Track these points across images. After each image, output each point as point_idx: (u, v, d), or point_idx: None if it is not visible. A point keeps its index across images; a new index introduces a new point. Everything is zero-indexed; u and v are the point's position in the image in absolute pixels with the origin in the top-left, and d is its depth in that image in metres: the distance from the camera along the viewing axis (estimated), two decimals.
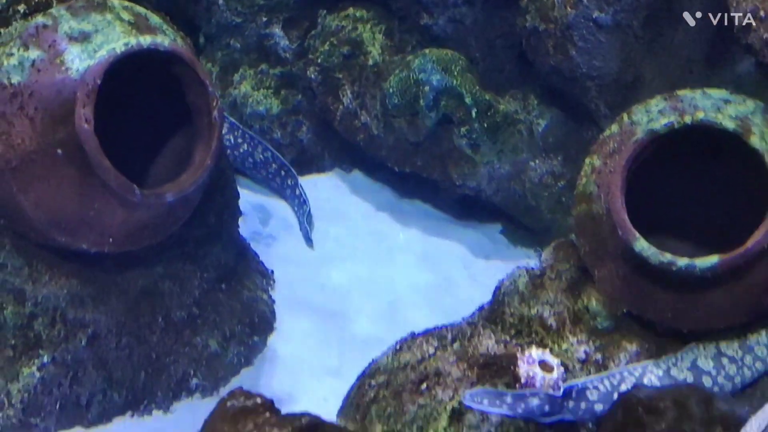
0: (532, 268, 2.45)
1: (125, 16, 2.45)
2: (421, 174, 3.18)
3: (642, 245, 2.13)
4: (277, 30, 3.50)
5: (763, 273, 2.12)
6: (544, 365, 2.15)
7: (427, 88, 3.08)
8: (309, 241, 3.20)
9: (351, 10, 3.41)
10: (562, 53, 2.86)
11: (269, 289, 2.93)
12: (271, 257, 3.06)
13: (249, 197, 3.28)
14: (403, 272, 3.09)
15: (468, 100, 3.05)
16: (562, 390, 2.10)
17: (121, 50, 2.24)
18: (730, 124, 2.13)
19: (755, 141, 2.10)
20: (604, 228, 2.26)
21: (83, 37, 2.31)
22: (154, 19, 2.57)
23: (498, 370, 2.20)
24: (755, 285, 2.13)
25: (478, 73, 3.15)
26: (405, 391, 2.24)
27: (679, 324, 2.22)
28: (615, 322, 2.29)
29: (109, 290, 2.49)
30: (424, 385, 2.23)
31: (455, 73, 3.09)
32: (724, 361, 2.19)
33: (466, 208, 3.25)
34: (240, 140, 3.35)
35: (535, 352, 2.17)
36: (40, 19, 2.33)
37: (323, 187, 3.39)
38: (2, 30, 2.39)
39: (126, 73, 2.28)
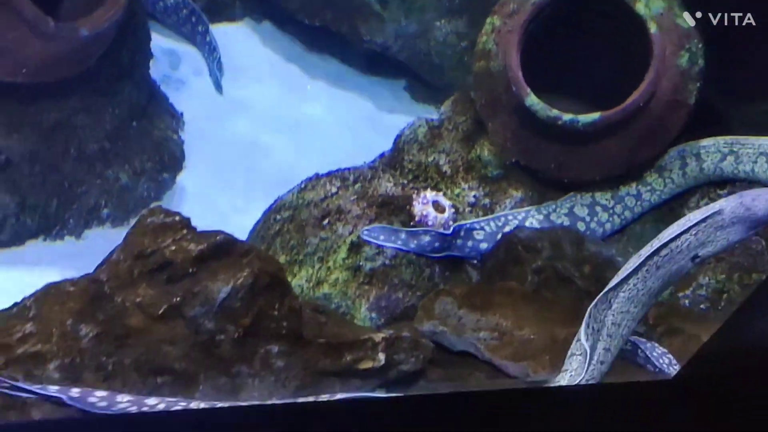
0: (432, 120, 2.54)
1: None
2: (331, 28, 3.18)
3: (532, 100, 2.28)
4: None
5: (637, 129, 2.28)
6: (437, 206, 2.30)
7: None
8: (219, 87, 3.20)
9: None
10: None
11: (179, 130, 2.95)
12: (181, 100, 3.07)
13: (159, 41, 3.22)
14: (309, 120, 3.13)
15: None
16: (451, 229, 2.24)
17: None
18: None
19: (640, 7, 2.25)
20: (499, 83, 2.37)
21: None
22: None
23: (394, 209, 2.30)
24: (630, 140, 2.29)
25: None
26: (308, 225, 2.33)
27: (562, 174, 2.38)
28: (504, 171, 2.43)
29: (23, 120, 2.50)
30: (325, 221, 2.32)
31: None
32: (598, 209, 2.35)
33: (373, 63, 3.28)
34: None
35: (430, 194, 2.31)
36: None
37: (233, 36, 3.37)
38: None
39: None
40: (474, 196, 2.41)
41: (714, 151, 2.30)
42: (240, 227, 2.50)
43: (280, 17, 3.39)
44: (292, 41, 3.40)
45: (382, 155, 2.58)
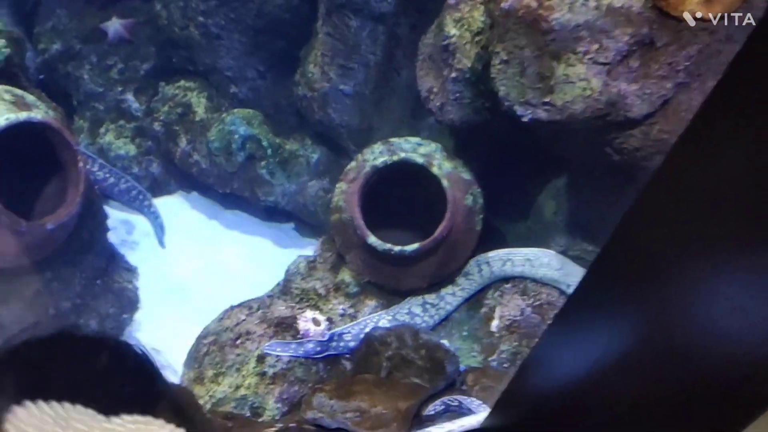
0: (309, 257, 2.53)
1: (7, 96, 2.35)
2: (238, 194, 3.17)
3: (372, 240, 2.29)
4: (129, 96, 3.39)
5: (445, 250, 2.33)
6: (315, 321, 2.28)
7: (236, 136, 3.09)
8: (162, 243, 3.15)
9: (182, 82, 3.35)
10: (323, 112, 2.95)
11: (134, 280, 2.86)
12: (135, 257, 2.98)
13: (118, 215, 3.18)
14: (229, 262, 3.08)
15: (265, 143, 3.09)
16: (327, 336, 2.23)
17: (3, 124, 2.17)
18: (420, 160, 2.32)
19: (435, 170, 2.31)
20: (349, 229, 2.39)
21: None
22: (30, 97, 2.48)
23: (286, 327, 2.28)
24: (442, 258, 2.34)
25: (270, 124, 3.17)
26: (226, 345, 2.29)
27: (400, 286, 2.40)
28: (360, 288, 2.42)
29: (9, 294, 2.38)
30: (238, 341, 2.28)
31: (255, 125, 3.12)
32: (428, 306, 2.37)
33: (270, 214, 3.26)
34: (108, 175, 3.24)
35: (309, 313, 2.29)
36: None
37: (170, 204, 3.32)
38: None
39: (15, 138, 2.20)
40: (342, 309, 2.39)
41: (497, 259, 2.35)
42: (180, 350, 2.45)
43: (203, 188, 3.34)
44: (213, 204, 3.35)
45: (278, 285, 2.54)
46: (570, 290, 2.27)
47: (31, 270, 2.42)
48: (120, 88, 3.38)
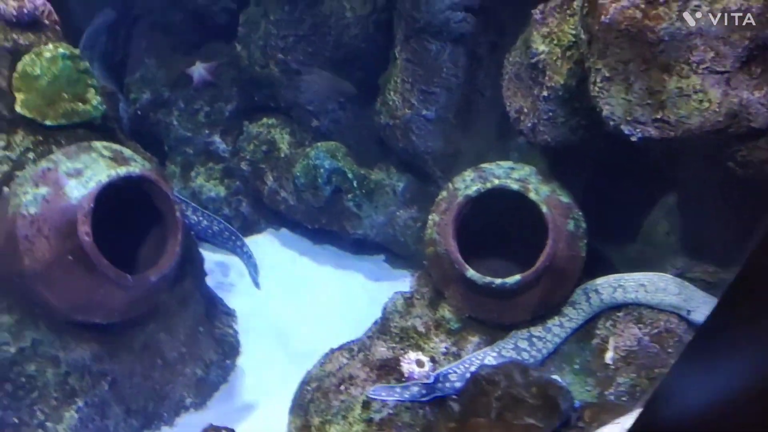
0: (405, 293, 2.43)
1: (106, 153, 2.39)
2: (326, 228, 3.14)
3: (471, 273, 2.17)
4: (216, 138, 3.43)
5: (549, 280, 2.18)
6: (419, 362, 2.18)
7: (322, 170, 3.05)
8: (257, 284, 3.14)
9: (265, 119, 3.36)
10: (406, 139, 2.87)
11: (234, 324, 2.85)
12: (232, 299, 2.97)
13: (213, 257, 3.19)
14: (323, 299, 3.02)
15: (350, 175, 3.04)
16: (432, 378, 2.13)
17: (105, 180, 2.19)
18: (515, 186, 2.19)
19: (532, 195, 2.17)
20: (446, 262, 2.28)
21: (77, 173, 2.24)
22: (127, 151, 2.51)
23: (389, 370, 2.19)
24: (546, 288, 2.19)
25: (354, 155, 3.12)
26: (330, 391, 2.23)
27: (503, 320, 2.27)
28: (462, 324, 2.30)
29: (119, 347, 2.42)
30: (342, 386, 2.21)
31: (339, 158, 3.07)
32: (534, 340, 2.23)
33: (360, 246, 3.20)
34: (201, 219, 3.28)
35: (412, 354, 2.19)
36: (43, 164, 2.25)
37: (262, 243, 3.31)
38: (18, 173, 2.29)
39: (114, 192, 2.23)
40: (444, 347, 2.28)
41: (607, 286, 2.18)
42: (284, 396, 2.41)
43: (292, 224, 3.33)
44: (302, 240, 3.32)
45: (375, 323, 2.46)
46: (692, 316, 2.08)
47: (138, 322, 2.44)
48: (207, 131, 3.42)
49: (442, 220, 2.31)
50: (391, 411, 2.11)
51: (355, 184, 3.03)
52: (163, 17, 3.61)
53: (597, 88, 1.68)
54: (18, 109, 2.32)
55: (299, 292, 3.06)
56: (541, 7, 2.05)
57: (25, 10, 2.42)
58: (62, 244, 2.16)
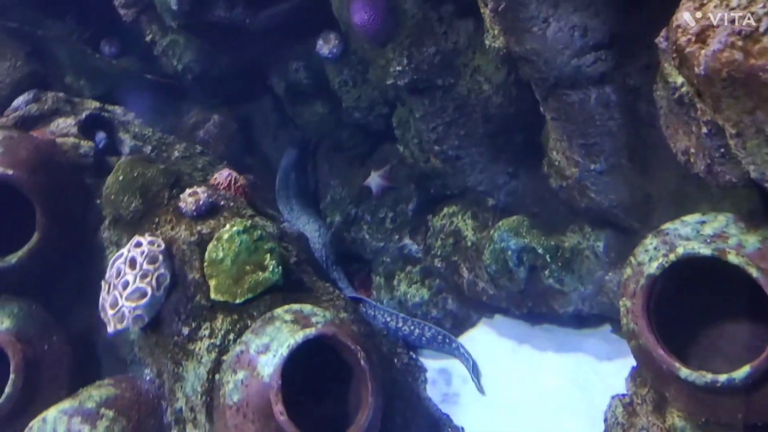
0: (623, 396, 2.03)
1: (287, 317, 2.41)
2: (534, 310, 2.82)
3: (685, 372, 1.71)
4: (407, 240, 3.35)
5: None
6: None
7: (509, 252, 2.77)
8: (480, 389, 2.90)
9: (446, 209, 3.20)
10: (586, 196, 2.48)
11: None
12: (459, 413, 2.76)
13: (435, 364, 3.05)
14: (553, 390, 2.69)
15: (540, 250, 2.70)
16: None
17: (286, 353, 2.19)
18: (706, 250, 1.69)
19: (732, 258, 1.65)
20: (654, 357, 1.83)
21: (265, 349, 2.28)
22: (307, 308, 2.50)
23: None
24: None
25: (541, 223, 2.78)
26: None
27: (751, 419, 1.73)
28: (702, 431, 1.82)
29: None
30: None
31: (524, 234, 2.76)
32: None
33: (580, 319, 2.81)
34: (413, 327, 3.17)
35: None
36: (237, 348, 2.34)
37: (478, 338, 3.08)
38: (224, 357, 2.41)
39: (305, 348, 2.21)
40: None
41: None
42: None
43: (503, 309, 3.02)
44: (519, 323, 2.99)
45: None
46: None
47: None
48: (397, 236, 3.37)
49: (633, 306, 1.88)
50: None
51: (548, 258, 2.69)
52: (333, 138, 3.71)
53: (732, 146, 1.19)
54: (212, 295, 2.47)
55: (524, 388, 2.76)
56: (664, 32, 1.58)
57: (201, 203, 2.62)
58: (266, 424, 2.20)
